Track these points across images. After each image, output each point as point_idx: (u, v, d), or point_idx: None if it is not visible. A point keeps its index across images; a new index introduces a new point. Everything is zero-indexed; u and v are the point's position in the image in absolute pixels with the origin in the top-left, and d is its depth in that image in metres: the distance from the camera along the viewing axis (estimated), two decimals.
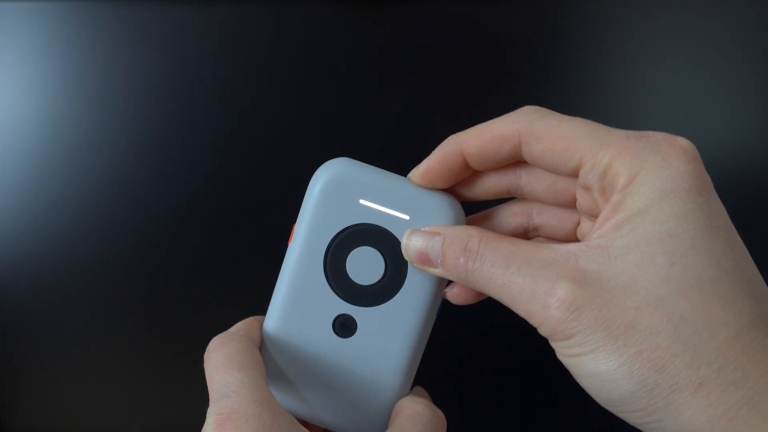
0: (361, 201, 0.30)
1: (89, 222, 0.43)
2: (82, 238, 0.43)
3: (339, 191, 0.29)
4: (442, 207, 0.30)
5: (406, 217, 0.29)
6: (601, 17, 0.42)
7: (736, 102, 0.42)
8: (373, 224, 0.30)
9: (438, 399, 0.32)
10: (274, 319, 0.30)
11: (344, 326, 0.30)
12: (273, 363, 0.30)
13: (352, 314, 0.30)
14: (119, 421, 0.45)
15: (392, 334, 0.30)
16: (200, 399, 0.28)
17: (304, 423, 0.32)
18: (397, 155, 0.41)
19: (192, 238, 0.43)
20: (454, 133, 0.29)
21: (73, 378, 0.45)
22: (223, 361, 0.28)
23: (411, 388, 0.31)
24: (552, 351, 0.26)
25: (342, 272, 0.30)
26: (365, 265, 0.30)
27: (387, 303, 0.30)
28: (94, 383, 0.45)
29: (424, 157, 0.30)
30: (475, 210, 0.32)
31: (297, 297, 0.30)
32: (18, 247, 0.44)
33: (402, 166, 0.32)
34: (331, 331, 0.30)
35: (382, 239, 0.30)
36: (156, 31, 0.42)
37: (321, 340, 0.30)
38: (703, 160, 0.25)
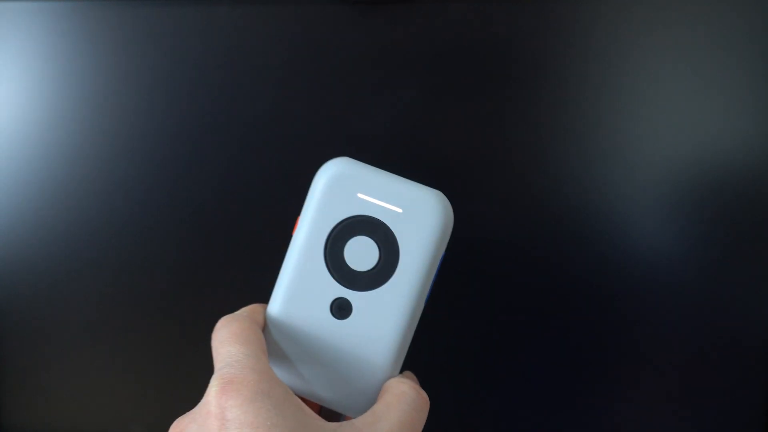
0: (359, 195, 0.33)
1: (90, 222, 0.44)
2: (82, 239, 0.44)
3: (340, 186, 0.33)
4: (431, 202, 0.33)
5: (399, 210, 0.32)
6: (603, 17, 0.42)
7: (736, 101, 0.42)
8: (369, 216, 0.33)
9: (430, 387, 0.34)
10: (277, 301, 0.33)
11: (341, 309, 0.33)
12: (274, 343, 0.33)
13: (348, 298, 0.33)
14: (119, 421, 0.45)
15: (384, 317, 0.33)
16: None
17: (301, 398, 0.34)
18: (397, 155, 0.42)
19: (195, 238, 0.44)
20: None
21: (73, 378, 0.45)
22: (228, 337, 0.30)
23: (401, 371, 0.34)
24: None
25: (340, 259, 0.33)
26: (361, 253, 0.33)
27: (380, 288, 0.33)
28: (94, 383, 0.45)
29: (423, 158, 0.31)
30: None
31: (299, 281, 0.33)
32: (18, 248, 0.44)
33: (401, 166, 0.34)
34: (329, 313, 0.33)
35: (377, 230, 0.33)
36: (156, 31, 0.42)
37: (319, 321, 0.33)
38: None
